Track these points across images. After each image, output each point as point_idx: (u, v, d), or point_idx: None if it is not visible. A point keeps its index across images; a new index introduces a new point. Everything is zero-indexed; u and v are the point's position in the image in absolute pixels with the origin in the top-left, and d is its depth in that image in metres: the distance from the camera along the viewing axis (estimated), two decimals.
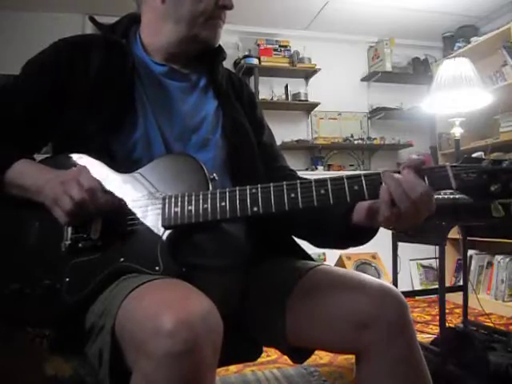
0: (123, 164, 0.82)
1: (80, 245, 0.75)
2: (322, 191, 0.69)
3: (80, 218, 0.74)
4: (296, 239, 0.96)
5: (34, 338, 0.75)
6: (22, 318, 0.77)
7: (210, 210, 0.71)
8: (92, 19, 0.96)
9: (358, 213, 0.76)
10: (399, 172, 0.68)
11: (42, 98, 0.86)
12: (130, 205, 0.76)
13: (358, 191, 0.68)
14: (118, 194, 0.77)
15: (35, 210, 0.78)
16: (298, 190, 0.69)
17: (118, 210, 0.75)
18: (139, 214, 0.75)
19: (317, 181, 0.70)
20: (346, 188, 0.68)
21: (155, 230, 0.74)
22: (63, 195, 0.72)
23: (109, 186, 0.78)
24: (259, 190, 0.71)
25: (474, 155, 0.71)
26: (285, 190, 0.70)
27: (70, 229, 0.77)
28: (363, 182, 0.68)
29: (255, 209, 0.70)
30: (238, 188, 0.72)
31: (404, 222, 0.69)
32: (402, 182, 0.66)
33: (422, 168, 0.68)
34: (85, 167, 0.76)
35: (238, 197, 0.71)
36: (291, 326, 0.81)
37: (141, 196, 0.76)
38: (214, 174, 0.77)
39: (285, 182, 0.70)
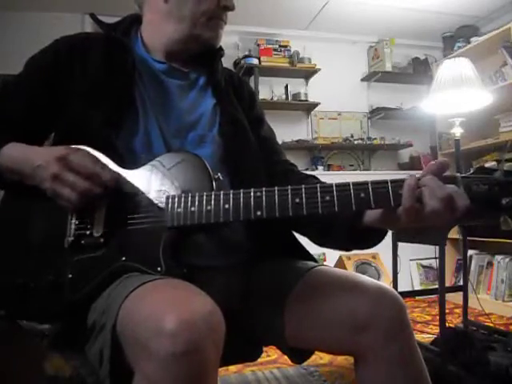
0: (125, 160, 0.81)
1: (83, 242, 0.75)
2: (328, 198, 0.67)
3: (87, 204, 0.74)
4: (298, 236, 0.96)
5: (34, 338, 0.75)
6: (25, 312, 0.76)
7: (213, 212, 0.70)
8: (93, 17, 0.97)
9: (371, 215, 0.74)
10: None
11: (41, 95, 0.87)
12: (134, 203, 0.76)
13: (363, 199, 0.66)
14: (122, 191, 0.77)
15: (38, 205, 0.78)
16: (303, 195, 0.68)
17: (124, 187, 0.76)
18: (142, 214, 0.75)
19: (322, 186, 0.68)
20: (352, 196, 0.67)
21: (158, 231, 0.73)
22: (63, 189, 0.72)
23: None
24: (263, 193, 0.70)
25: (487, 165, 0.69)
26: (289, 195, 0.68)
27: (73, 225, 0.77)
28: (370, 189, 0.66)
29: (259, 213, 0.69)
30: (242, 191, 0.71)
31: (422, 224, 0.67)
32: (427, 183, 0.65)
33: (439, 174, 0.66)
34: (71, 150, 0.75)
35: (241, 200, 0.70)
36: (289, 326, 0.81)
37: (145, 194, 0.76)
38: (219, 174, 0.77)
39: (290, 187, 0.69)
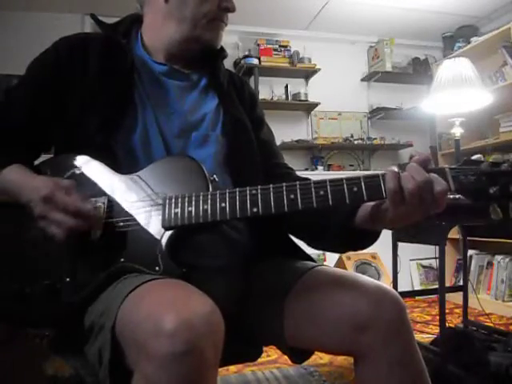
0: (124, 162, 0.82)
1: (81, 245, 0.75)
2: (322, 192, 0.69)
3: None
4: (294, 239, 0.96)
5: (34, 338, 0.75)
6: (22, 317, 0.76)
7: (209, 211, 0.71)
8: (94, 17, 0.97)
9: (362, 214, 0.76)
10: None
11: (43, 97, 0.87)
12: (131, 206, 0.76)
13: (356, 193, 0.68)
14: (119, 195, 0.78)
15: None
16: (298, 191, 0.69)
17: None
18: (140, 215, 0.75)
19: (316, 182, 0.70)
20: (345, 189, 0.68)
21: (155, 231, 0.74)
22: (50, 227, 0.72)
23: (109, 188, 0.78)
24: (259, 191, 0.71)
25: (473, 157, 0.71)
26: (284, 192, 0.70)
27: None
28: (362, 183, 0.68)
29: (255, 210, 0.70)
30: (237, 189, 0.72)
31: (407, 212, 0.67)
32: (407, 169, 0.67)
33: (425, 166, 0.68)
34: (56, 186, 0.74)
35: (237, 198, 0.71)
36: (289, 326, 0.81)
37: (141, 197, 0.76)
38: (215, 176, 0.78)
39: (284, 184, 0.70)
